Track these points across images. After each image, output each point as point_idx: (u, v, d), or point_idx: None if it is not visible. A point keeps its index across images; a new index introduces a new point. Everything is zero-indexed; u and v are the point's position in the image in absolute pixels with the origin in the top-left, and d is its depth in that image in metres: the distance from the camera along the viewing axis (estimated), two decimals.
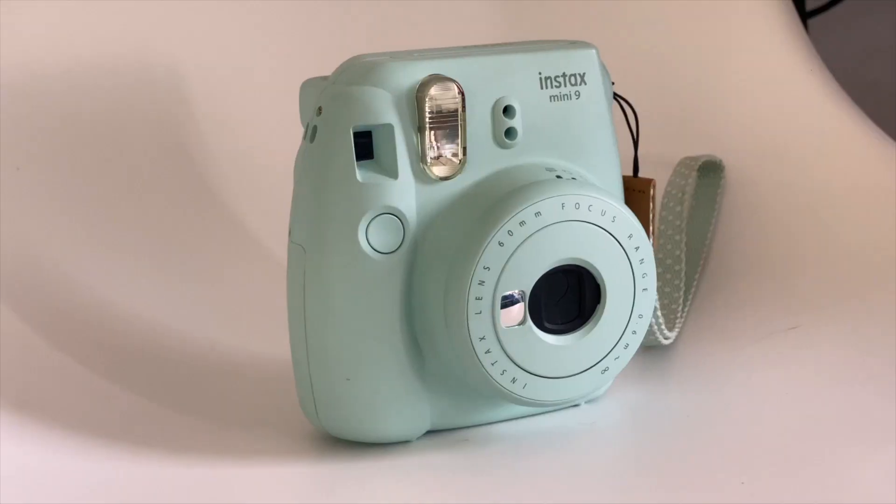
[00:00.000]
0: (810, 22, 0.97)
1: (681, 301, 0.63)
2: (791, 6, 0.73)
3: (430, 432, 0.52)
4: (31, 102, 0.62)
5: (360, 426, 0.51)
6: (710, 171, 0.69)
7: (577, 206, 0.50)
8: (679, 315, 0.62)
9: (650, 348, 0.60)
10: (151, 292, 0.62)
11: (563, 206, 0.50)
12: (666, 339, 0.60)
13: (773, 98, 0.70)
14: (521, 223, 0.49)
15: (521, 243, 0.49)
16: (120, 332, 0.59)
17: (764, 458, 0.50)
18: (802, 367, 0.58)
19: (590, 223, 0.50)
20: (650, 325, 0.57)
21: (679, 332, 0.62)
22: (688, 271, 0.65)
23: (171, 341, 0.60)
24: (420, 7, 0.71)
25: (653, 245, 0.56)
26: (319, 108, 0.50)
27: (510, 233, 0.49)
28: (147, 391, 0.56)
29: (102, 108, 0.64)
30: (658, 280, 0.63)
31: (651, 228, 0.56)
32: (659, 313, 0.58)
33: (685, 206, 0.66)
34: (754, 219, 0.68)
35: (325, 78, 0.51)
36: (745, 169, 0.69)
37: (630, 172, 0.56)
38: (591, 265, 0.51)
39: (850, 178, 0.67)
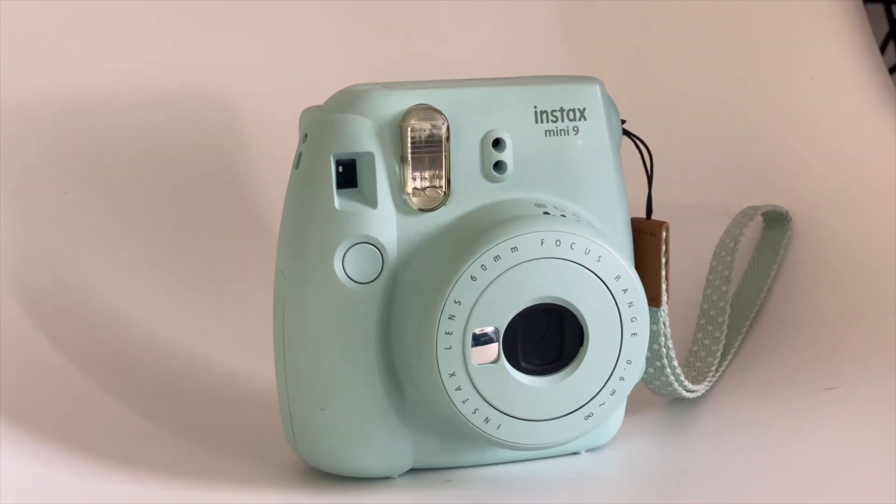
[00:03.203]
0: None
1: (719, 354, 0.60)
2: (871, 42, 0.69)
3: (413, 470, 0.51)
4: (81, 128, 0.64)
5: (335, 458, 0.50)
6: (775, 221, 0.66)
7: (559, 243, 0.48)
8: (714, 368, 0.59)
9: (677, 400, 0.58)
10: (185, 317, 0.63)
11: (542, 243, 0.48)
12: (689, 392, 0.57)
13: (844, 146, 0.66)
14: (496, 258, 0.48)
15: (495, 279, 0.48)
16: (139, 351, 0.60)
17: None
18: (834, 429, 0.54)
19: (571, 262, 0.48)
20: (666, 377, 0.55)
21: (713, 385, 0.59)
22: (732, 324, 0.62)
23: (186, 363, 0.61)
24: (475, 41, 0.70)
25: (666, 291, 0.54)
26: (305, 135, 0.50)
27: (483, 267, 0.48)
28: (143, 408, 0.56)
29: (151, 134, 0.65)
30: (699, 331, 0.62)
31: (664, 273, 0.53)
32: (676, 363, 0.55)
33: (736, 257, 0.63)
34: (816, 275, 0.64)
35: (319, 107, 0.52)
36: (812, 221, 0.66)
37: (643, 214, 0.54)
38: (573, 305, 0.49)
39: None
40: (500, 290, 0.48)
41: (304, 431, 0.51)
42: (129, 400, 0.57)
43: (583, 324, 0.49)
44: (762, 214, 0.66)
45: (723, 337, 0.61)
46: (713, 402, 0.58)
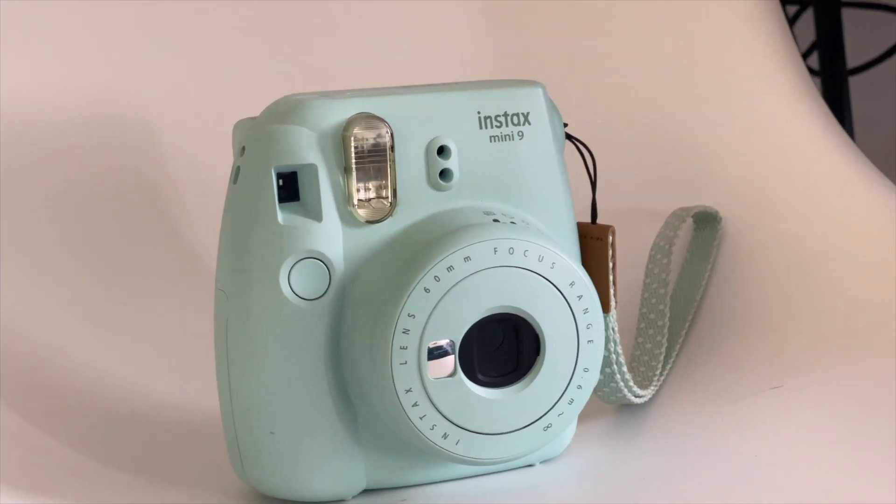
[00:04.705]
0: (852, 80, 0.94)
1: (662, 357, 0.59)
2: (793, 46, 0.69)
3: (366, 491, 0.50)
4: None
5: (286, 483, 0.48)
6: (705, 222, 0.66)
7: (511, 251, 0.47)
8: (658, 372, 0.59)
9: (624, 406, 0.57)
10: (109, 344, 0.60)
11: (495, 251, 0.47)
12: (638, 397, 0.56)
13: (773, 147, 0.66)
14: (449, 268, 0.46)
15: (449, 290, 0.46)
16: (67, 383, 0.57)
17: None
18: (779, 429, 0.54)
19: (525, 269, 0.47)
20: (616, 383, 0.54)
21: (658, 390, 0.58)
22: (673, 326, 0.61)
23: (121, 393, 0.58)
24: (403, 45, 0.69)
25: (615, 296, 0.53)
26: (243, 149, 0.48)
27: (437, 278, 0.46)
28: (82, 444, 0.54)
29: (71, 158, 0.63)
30: (640, 335, 0.61)
31: (612, 278, 0.52)
32: (626, 369, 0.54)
33: (672, 259, 0.62)
34: (750, 274, 0.64)
35: (254, 118, 0.50)
36: (742, 221, 0.66)
37: (588, 219, 0.53)
38: (528, 314, 0.48)
39: (853, 234, 0.63)
40: (454, 301, 0.46)
41: (252, 456, 0.49)
42: (61, 433, 0.54)
43: (539, 333, 0.48)
44: (692, 216, 0.65)
45: (664, 340, 0.60)
46: (660, 407, 0.57)
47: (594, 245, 0.53)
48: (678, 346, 0.61)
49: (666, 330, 0.60)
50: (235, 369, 0.48)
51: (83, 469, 0.52)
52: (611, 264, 0.52)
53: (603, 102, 0.68)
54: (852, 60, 0.93)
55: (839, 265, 0.62)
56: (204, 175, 0.66)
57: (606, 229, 0.53)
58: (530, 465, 0.52)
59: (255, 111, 0.53)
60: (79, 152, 0.63)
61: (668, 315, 0.61)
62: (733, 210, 0.66)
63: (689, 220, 0.66)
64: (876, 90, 0.97)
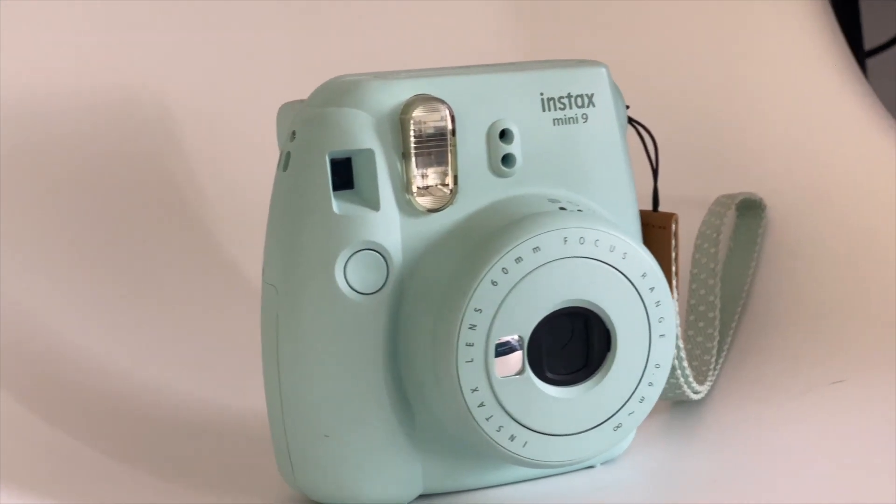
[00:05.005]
0: (869, 62, 0.92)
1: (714, 351, 0.57)
2: (840, 37, 0.67)
3: (422, 496, 0.47)
4: (8, 138, 0.58)
5: (341, 489, 0.45)
6: (749, 210, 0.63)
7: (582, 240, 0.44)
8: (712, 367, 0.56)
9: (679, 403, 0.55)
10: (131, 340, 0.57)
11: (565, 241, 0.44)
12: (696, 393, 0.53)
13: (819, 133, 0.64)
14: (518, 259, 0.44)
15: (518, 282, 0.43)
16: (90, 383, 0.54)
17: None
18: (847, 426, 0.52)
19: (597, 260, 0.44)
20: (676, 378, 0.52)
21: (712, 386, 0.56)
22: (723, 319, 0.59)
23: (147, 394, 0.55)
24: (425, 29, 0.66)
25: (676, 288, 0.50)
26: (293, 133, 0.45)
27: (505, 270, 0.44)
28: (114, 449, 0.51)
29: (86, 144, 0.59)
30: (690, 328, 0.58)
31: (674, 269, 0.50)
32: (686, 364, 0.52)
33: (720, 249, 0.60)
34: (797, 262, 0.61)
35: (303, 101, 0.47)
36: (787, 208, 0.63)
37: (649, 206, 0.51)
38: (599, 307, 0.45)
39: None
40: (523, 295, 0.44)
41: (305, 462, 0.46)
42: (97, 440, 0.50)
43: (610, 327, 0.45)
44: (736, 203, 0.63)
45: (716, 333, 0.58)
46: (715, 403, 0.55)
47: (656, 234, 0.50)
48: (728, 338, 0.59)
49: (717, 322, 0.58)
50: (286, 369, 0.45)
51: (123, 476, 0.49)
52: (674, 254, 0.50)
53: (640, 88, 0.65)
54: (870, 42, 0.91)
55: (891, 253, 0.60)
56: (223, 163, 0.62)
57: (669, 217, 0.50)
58: (591, 467, 0.49)
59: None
60: (92, 140, 0.59)
61: (718, 307, 0.58)
62: (778, 197, 0.64)
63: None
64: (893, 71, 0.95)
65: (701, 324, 0.58)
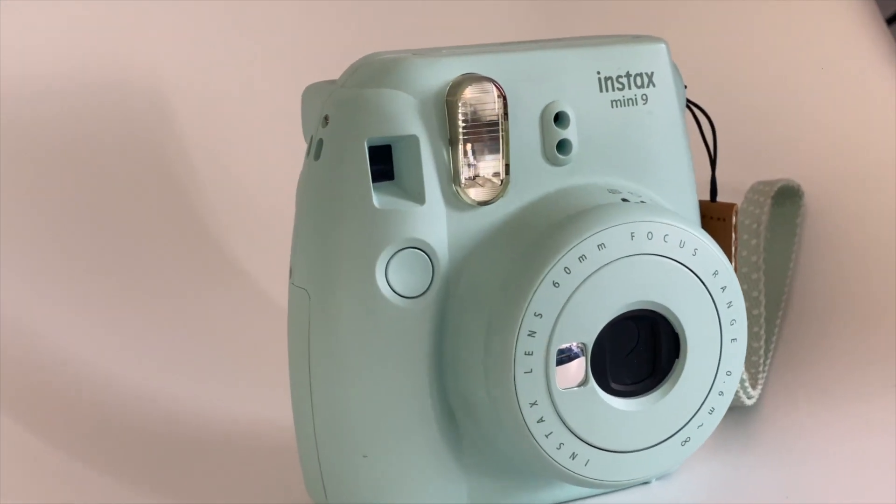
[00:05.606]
0: None
1: (762, 352, 0.53)
2: (880, 19, 0.63)
3: None
4: (3, 133, 0.52)
5: None
6: (785, 198, 0.59)
7: (650, 235, 0.40)
8: (761, 368, 0.52)
9: (729, 409, 0.50)
10: (130, 347, 0.52)
11: (632, 237, 0.40)
12: (749, 398, 0.49)
13: (855, 115, 0.60)
14: (581, 258, 0.39)
15: (582, 283, 0.39)
16: (93, 398, 0.49)
17: None
18: None
19: (666, 257, 0.40)
20: None
21: (762, 390, 0.52)
22: (768, 316, 0.55)
23: (155, 407, 0.50)
24: (449, 5, 0.61)
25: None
26: (326, 118, 0.40)
27: (567, 270, 0.39)
28: (124, 468, 0.46)
29: (80, 129, 0.54)
30: None
31: (734, 264, 0.46)
32: (742, 367, 0.48)
33: (762, 240, 0.56)
34: (841, 254, 0.57)
35: (333, 82, 0.42)
36: (826, 196, 0.59)
37: (707, 196, 0.46)
38: (668, 310, 0.40)
39: None
40: (587, 297, 0.39)
41: (339, 483, 0.41)
42: (93, 450, 0.46)
43: (679, 331, 0.41)
44: (774, 191, 0.59)
45: (762, 332, 0.53)
46: (767, 408, 0.51)
47: (715, 226, 0.46)
48: (774, 337, 0.55)
49: (763, 320, 0.54)
50: (320, 381, 0.40)
51: (110, 490, 0.44)
52: (734, 248, 0.46)
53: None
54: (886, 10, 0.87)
55: None
56: (222, 152, 0.57)
57: (730, 208, 0.46)
58: (646, 483, 0.45)
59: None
60: (85, 125, 0.54)
61: (763, 303, 0.54)
62: (816, 184, 0.60)
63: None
64: None
65: (747, 322, 0.54)
